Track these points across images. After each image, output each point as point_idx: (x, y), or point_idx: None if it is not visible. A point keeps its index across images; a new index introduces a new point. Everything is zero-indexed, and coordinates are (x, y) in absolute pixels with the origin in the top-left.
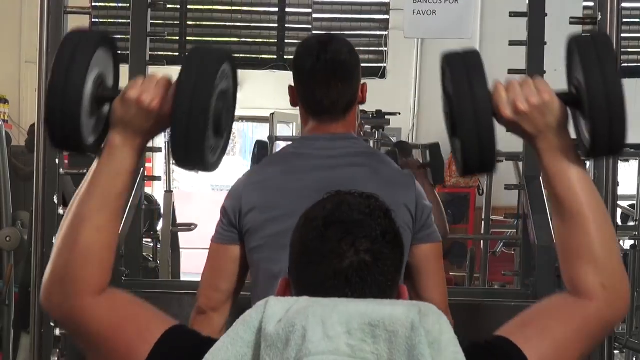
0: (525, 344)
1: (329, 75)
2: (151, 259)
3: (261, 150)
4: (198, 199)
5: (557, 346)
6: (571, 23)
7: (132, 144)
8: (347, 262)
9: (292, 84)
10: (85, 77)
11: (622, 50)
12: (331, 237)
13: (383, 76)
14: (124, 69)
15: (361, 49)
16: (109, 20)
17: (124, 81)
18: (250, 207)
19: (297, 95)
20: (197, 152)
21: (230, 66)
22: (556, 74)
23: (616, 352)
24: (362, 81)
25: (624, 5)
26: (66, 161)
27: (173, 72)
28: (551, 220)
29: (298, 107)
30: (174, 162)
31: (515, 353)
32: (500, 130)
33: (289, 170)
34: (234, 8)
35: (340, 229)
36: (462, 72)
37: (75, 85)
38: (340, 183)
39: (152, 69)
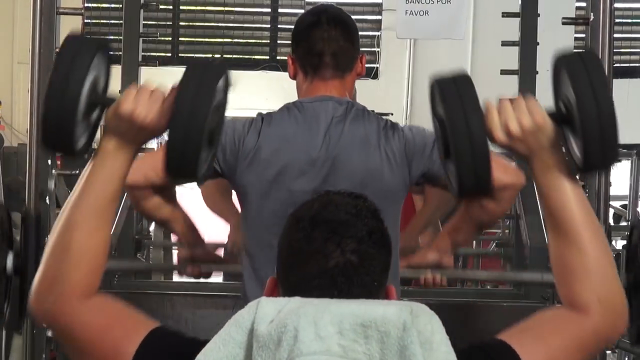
0: (521, 348)
1: (330, 28)
2: (143, 259)
3: None
4: (190, 199)
5: (551, 355)
6: (564, 23)
7: (125, 151)
8: (333, 262)
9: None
10: (83, 83)
11: (615, 50)
12: (317, 237)
13: (375, 77)
14: (117, 70)
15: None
16: (102, 21)
17: (116, 82)
18: (247, 168)
19: (295, 63)
20: (191, 168)
21: (225, 80)
22: (548, 74)
23: (608, 352)
24: (361, 53)
25: (616, 5)
26: (58, 162)
27: (166, 72)
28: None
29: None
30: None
31: (511, 355)
32: None
33: (284, 136)
34: (226, 9)
35: (326, 229)
36: (454, 95)
37: (74, 90)
38: (335, 142)
39: (144, 70)
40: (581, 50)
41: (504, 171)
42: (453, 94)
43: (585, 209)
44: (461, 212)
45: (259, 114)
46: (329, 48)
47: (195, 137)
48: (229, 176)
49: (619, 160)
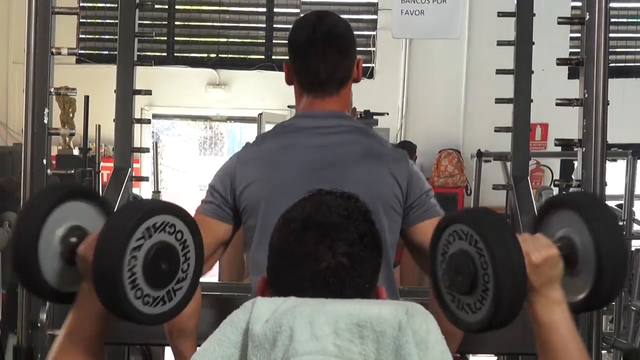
0: None
1: (326, 45)
2: None
3: None
4: (186, 199)
5: None
6: (559, 23)
7: None
8: (324, 265)
9: (287, 62)
10: (37, 240)
11: (610, 50)
12: (309, 240)
13: (371, 76)
14: (112, 69)
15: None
16: (97, 21)
17: (111, 81)
18: (248, 183)
19: (292, 72)
20: (122, 306)
21: (184, 224)
22: (544, 74)
23: (604, 352)
24: (357, 57)
25: (612, 5)
26: (54, 162)
27: (161, 72)
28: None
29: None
30: None
31: None
32: (489, 129)
33: (285, 145)
34: (222, 8)
35: (317, 231)
36: (498, 235)
37: (28, 249)
38: (334, 158)
39: (139, 69)
40: (589, 194)
41: None
42: (494, 229)
43: (578, 343)
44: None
45: (247, 143)
46: (325, 69)
47: (109, 274)
48: (236, 206)
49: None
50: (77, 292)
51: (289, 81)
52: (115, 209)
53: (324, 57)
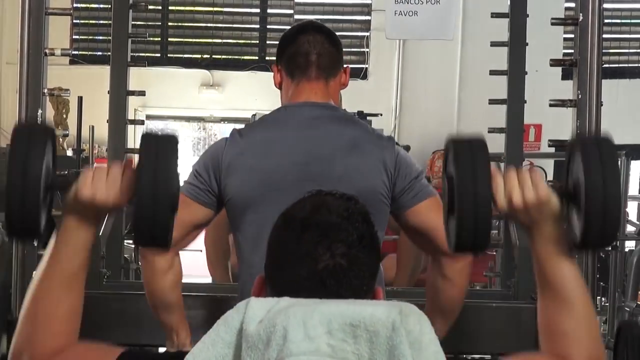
0: None
1: (316, 33)
2: (132, 260)
3: None
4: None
5: None
6: (552, 24)
7: (87, 226)
8: (322, 265)
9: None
10: (41, 171)
11: (604, 51)
12: (308, 240)
13: (365, 77)
14: (106, 70)
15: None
16: (90, 22)
17: (105, 82)
18: (233, 176)
19: (281, 70)
20: (163, 236)
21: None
22: (537, 75)
23: None
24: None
25: (605, 6)
26: None
27: (154, 73)
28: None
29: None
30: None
31: None
32: (482, 129)
33: (271, 139)
34: (215, 9)
35: (317, 232)
36: (467, 156)
37: (35, 180)
38: (320, 151)
39: (133, 70)
40: (599, 136)
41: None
42: (466, 154)
43: (579, 281)
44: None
45: (234, 129)
46: (314, 48)
47: (164, 208)
48: (220, 193)
49: (616, 240)
50: (51, 226)
51: (277, 82)
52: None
53: (314, 41)
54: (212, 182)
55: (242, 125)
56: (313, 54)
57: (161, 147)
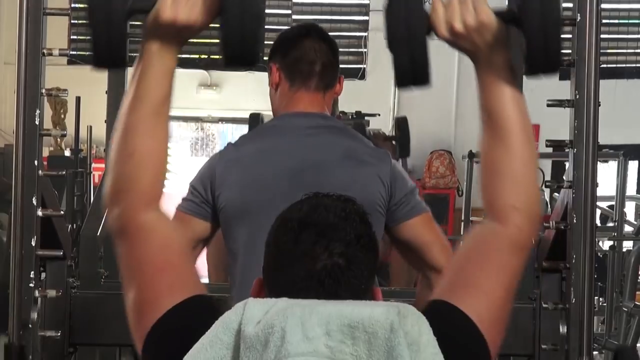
0: (461, 303)
1: (321, 42)
2: None
3: None
4: (177, 200)
5: (487, 295)
6: None
7: (170, 48)
8: (321, 265)
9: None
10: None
11: (602, 51)
12: (305, 240)
13: (363, 77)
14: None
15: (341, 50)
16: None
17: (102, 83)
18: (227, 188)
19: (280, 71)
20: (253, 50)
21: None
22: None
23: (595, 352)
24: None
25: (603, 6)
26: (45, 163)
27: None
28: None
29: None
30: (226, 63)
31: (457, 314)
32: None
33: (265, 149)
34: None
35: (314, 231)
36: None
37: (119, 2)
38: (315, 161)
39: (130, 71)
40: None
41: (443, 253)
42: None
43: (521, 112)
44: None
45: (229, 143)
46: (319, 58)
47: (252, 17)
48: (216, 205)
49: (562, 66)
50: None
51: (274, 82)
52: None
53: (319, 51)
54: (207, 195)
55: (241, 126)
56: (318, 64)
57: None
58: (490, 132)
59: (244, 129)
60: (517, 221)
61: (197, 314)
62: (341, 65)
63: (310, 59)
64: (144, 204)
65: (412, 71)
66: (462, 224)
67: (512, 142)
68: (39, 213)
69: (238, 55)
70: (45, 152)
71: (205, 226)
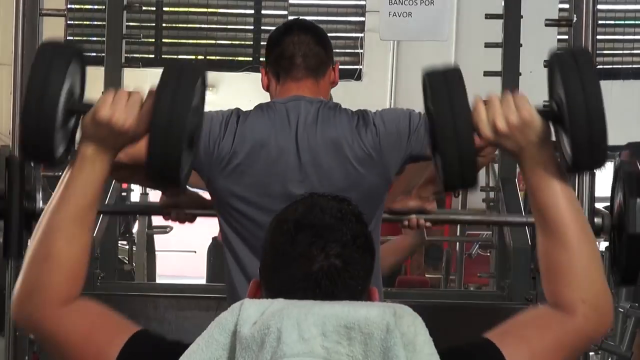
0: (505, 348)
1: (301, 33)
2: (127, 262)
3: None
4: None
5: (534, 355)
6: (546, 25)
7: (104, 156)
8: (317, 266)
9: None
10: (61, 92)
11: (598, 52)
12: (301, 241)
13: (359, 78)
14: (100, 71)
15: (337, 51)
16: (85, 23)
17: (99, 83)
18: (223, 172)
19: (268, 72)
20: (174, 174)
21: (202, 80)
22: (532, 76)
23: (591, 353)
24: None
25: (599, 7)
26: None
27: (149, 74)
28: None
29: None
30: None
31: (495, 354)
32: None
33: (264, 140)
34: (209, 10)
35: (310, 232)
36: (443, 90)
37: (52, 99)
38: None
39: (127, 71)
40: (573, 47)
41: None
42: (442, 88)
43: (574, 208)
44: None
45: (236, 112)
46: (299, 50)
47: (176, 141)
48: (201, 174)
49: (608, 161)
50: (67, 156)
51: (265, 84)
52: (103, 205)
53: (299, 43)
54: (200, 157)
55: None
56: (298, 57)
57: (185, 76)
58: (545, 232)
59: None
60: (584, 311)
61: (149, 344)
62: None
63: (289, 53)
64: (56, 305)
65: (460, 174)
66: (458, 225)
67: (569, 240)
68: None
69: (157, 178)
70: None
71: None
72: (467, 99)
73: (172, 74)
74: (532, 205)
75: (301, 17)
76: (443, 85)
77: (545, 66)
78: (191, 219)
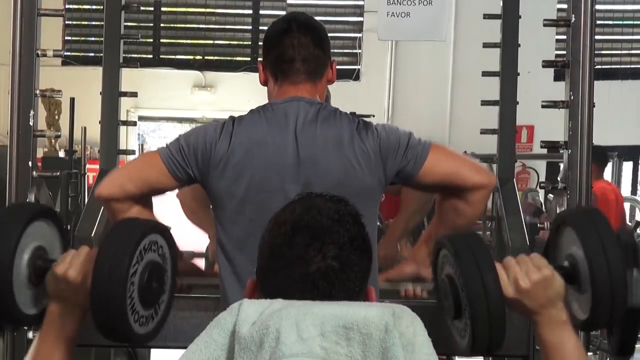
0: None
1: (301, 35)
2: None
3: None
4: (172, 203)
5: None
6: (545, 25)
7: (71, 313)
8: (314, 267)
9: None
10: (13, 254)
11: (596, 52)
12: (299, 243)
13: (357, 78)
14: (98, 71)
15: (335, 51)
16: (83, 23)
17: (97, 84)
18: (221, 172)
19: (266, 69)
20: (120, 326)
21: (163, 238)
22: (529, 76)
23: (590, 354)
24: (332, 59)
25: (597, 7)
26: (39, 164)
27: (147, 74)
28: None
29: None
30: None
31: None
32: (475, 131)
33: (261, 139)
34: (208, 10)
35: (308, 234)
36: (469, 255)
37: (3, 263)
38: (305, 151)
39: (125, 72)
40: (587, 209)
41: (475, 172)
42: (468, 252)
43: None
44: (436, 219)
45: (231, 117)
46: (299, 54)
47: (116, 290)
48: (202, 181)
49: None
50: (38, 315)
51: (262, 80)
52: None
53: (298, 46)
54: (192, 166)
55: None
56: (298, 61)
57: (124, 237)
58: None
59: None
60: None
61: None
62: (336, 67)
63: (289, 57)
64: None
65: (489, 342)
66: None
67: None
68: None
69: (107, 333)
70: (40, 153)
71: (172, 185)
72: (493, 262)
73: (116, 232)
74: (544, 356)
75: (295, 13)
76: (468, 251)
77: (553, 223)
78: (187, 289)
